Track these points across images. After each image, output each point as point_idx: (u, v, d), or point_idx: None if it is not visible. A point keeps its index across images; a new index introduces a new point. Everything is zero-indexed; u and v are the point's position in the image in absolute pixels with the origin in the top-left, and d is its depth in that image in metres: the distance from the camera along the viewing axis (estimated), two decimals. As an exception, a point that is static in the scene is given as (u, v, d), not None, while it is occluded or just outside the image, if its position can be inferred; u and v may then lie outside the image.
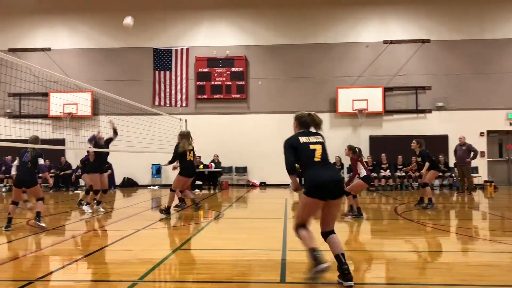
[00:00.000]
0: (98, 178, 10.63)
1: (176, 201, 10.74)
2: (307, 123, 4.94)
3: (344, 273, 4.46)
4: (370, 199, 13.99)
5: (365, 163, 9.52)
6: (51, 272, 5.25)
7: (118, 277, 4.99)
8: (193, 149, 10.36)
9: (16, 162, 9.67)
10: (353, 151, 9.34)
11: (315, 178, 4.59)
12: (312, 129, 4.97)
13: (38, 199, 8.45)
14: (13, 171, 11.87)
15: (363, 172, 9.23)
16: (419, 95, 19.26)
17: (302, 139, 4.78)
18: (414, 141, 11.40)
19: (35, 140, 8.46)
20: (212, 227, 8.62)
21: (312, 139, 4.80)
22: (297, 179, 4.84)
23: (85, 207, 10.57)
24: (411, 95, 19.33)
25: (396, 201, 13.08)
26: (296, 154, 4.73)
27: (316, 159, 4.68)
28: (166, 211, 9.80)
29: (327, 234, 4.68)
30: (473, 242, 7.04)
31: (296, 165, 4.78)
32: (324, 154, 4.76)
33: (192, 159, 10.29)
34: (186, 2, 20.26)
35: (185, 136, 10.27)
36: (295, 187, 4.95)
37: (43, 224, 8.25)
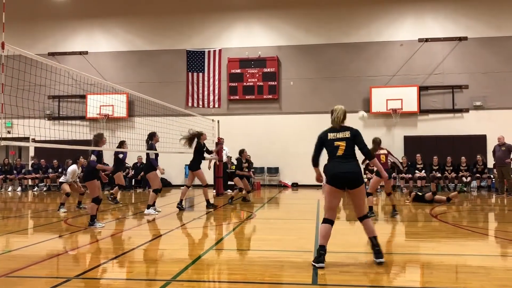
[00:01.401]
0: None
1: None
2: (334, 118, 5.61)
3: (376, 252, 5.38)
4: (404, 201, 13.71)
5: (381, 159, 9.37)
6: (88, 270, 5.39)
7: (152, 276, 5.08)
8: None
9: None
10: (374, 144, 9.44)
11: (332, 170, 5.35)
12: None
13: (92, 199, 8.51)
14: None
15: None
16: (456, 94, 18.76)
17: (330, 135, 5.50)
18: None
19: (94, 137, 8.79)
20: (245, 228, 8.65)
21: (339, 135, 5.46)
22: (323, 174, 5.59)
23: (147, 211, 10.33)
24: (448, 94, 18.85)
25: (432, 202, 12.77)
26: (324, 148, 5.52)
27: (338, 154, 5.38)
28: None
29: (361, 219, 5.52)
30: (513, 246, 6.81)
31: None
32: (348, 150, 5.40)
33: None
34: (218, 5, 20.41)
35: None
36: (317, 177, 5.71)
37: (99, 224, 8.37)
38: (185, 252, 6.21)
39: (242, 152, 13.08)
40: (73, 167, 11.92)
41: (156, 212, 10.37)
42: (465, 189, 12.25)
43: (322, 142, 5.52)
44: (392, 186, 17.55)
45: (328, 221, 5.44)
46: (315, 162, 5.59)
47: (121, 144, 12.54)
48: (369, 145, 9.10)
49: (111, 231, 8.20)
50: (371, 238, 5.41)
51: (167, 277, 4.88)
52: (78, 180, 12.16)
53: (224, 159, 16.51)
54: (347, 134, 5.45)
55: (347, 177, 5.30)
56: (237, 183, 12.71)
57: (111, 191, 13.20)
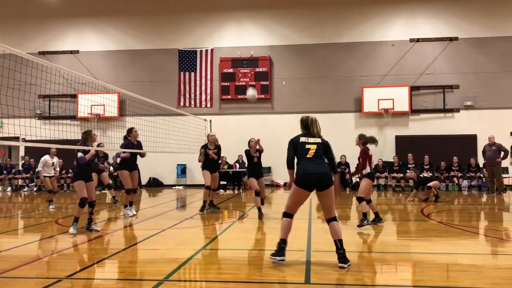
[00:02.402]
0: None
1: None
2: (307, 125, 5.68)
3: (339, 256, 5.24)
4: (396, 200, 13.79)
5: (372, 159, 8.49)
6: (79, 271, 5.36)
7: (144, 276, 5.05)
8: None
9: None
10: (364, 142, 8.37)
11: (302, 171, 5.38)
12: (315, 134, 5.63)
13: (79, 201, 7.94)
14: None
15: (367, 169, 8.29)
16: (447, 94, 18.89)
17: (302, 139, 5.56)
18: None
19: (82, 135, 8.34)
20: (237, 227, 8.65)
21: (311, 140, 5.55)
22: (294, 175, 5.50)
23: (124, 210, 10.10)
24: (439, 94, 18.98)
25: (422, 202, 12.86)
26: (295, 150, 5.52)
27: (308, 156, 5.43)
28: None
29: (328, 221, 5.45)
30: (503, 245, 6.87)
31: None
32: (318, 152, 5.46)
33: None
34: (211, 4, 20.37)
35: None
36: (290, 183, 5.60)
37: (71, 231, 7.74)
38: (178, 252, 6.19)
39: (250, 142, 10.65)
40: (44, 157, 12.29)
41: (130, 214, 9.81)
42: (439, 199, 12.56)
43: (295, 144, 5.56)
44: (384, 185, 17.71)
45: (289, 215, 5.52)
46: (291, 163, 5.54)
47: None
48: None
49: (103, 231, 8.15)
50: (336, 241, 5.31)
51: (160, 277, 4.86)
52: (54, 173, 12.48)
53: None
54: (318, 140, 5.57)
55: (317, 178, 5.32)
56: (252, 185, 10.04)
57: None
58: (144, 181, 19.76)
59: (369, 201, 8.38)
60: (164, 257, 5.90)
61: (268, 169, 19.65)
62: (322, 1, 19.80)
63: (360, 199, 8.35)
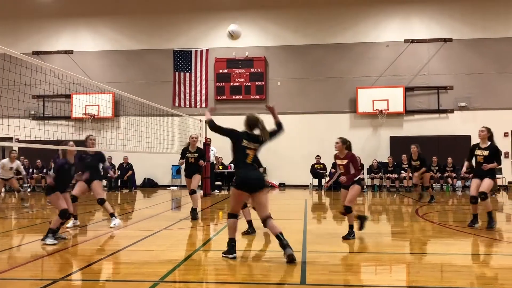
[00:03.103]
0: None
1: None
2: (253, 125, 6.04)
3: (284, 247, 5.44)
4: (391, 201, 13.83)
5: (339, 169, 7.61)
6: (74, 272, 5.33)
7: (140, 277, 5.03)
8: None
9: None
10: (348, 146, 7.38)
11: (242, 176, 5.77)
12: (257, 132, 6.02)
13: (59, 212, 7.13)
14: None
15: (359, 175, 7.38)
16: (441, 95, 18.97)
17: (244, 142, 5.86)
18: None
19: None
20: (232, 228, 8.62)
21: (251, 145, 5.88)
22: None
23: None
24: (433, 95, 19.06)
25: (417, 202, 12.91)
26: (233, 149, 5.91)
27: (247, 161, 5.82)
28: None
29: (264, 220, 5.73)
30: (497, 245, 6.90)
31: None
32: (255, 158, 5.95)
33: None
34: (206, 4, 20.34)
35: None
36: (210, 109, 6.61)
37: (50, 240, 6.92)
38: (173, 253, 6.17)
39: None
40: (3, 160, 12.73)
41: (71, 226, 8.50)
42: (433, 201, 12.62)
43: (235, 137, 5.88)
44: (379, 186, 17.77)
45: (234, 216, 5.88)
46: (215, 126, 5.98)
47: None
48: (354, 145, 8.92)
49: (97, 232, 8.12)
50: (278, 235, 5.54)
51: (155, 278, 4.85)
52: (13, 176, 12.82)
53: (212, 159, 16.45)
54: (257, 145, 5.97)
55: (256, 183, 5.77)
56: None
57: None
58: (138, 181, 19.72)
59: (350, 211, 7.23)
60: (159, 258, 5.88)
61: (263, 170, 19.64)
62: (317, 2, 19.83)
63: (348, 209, 7.18)
